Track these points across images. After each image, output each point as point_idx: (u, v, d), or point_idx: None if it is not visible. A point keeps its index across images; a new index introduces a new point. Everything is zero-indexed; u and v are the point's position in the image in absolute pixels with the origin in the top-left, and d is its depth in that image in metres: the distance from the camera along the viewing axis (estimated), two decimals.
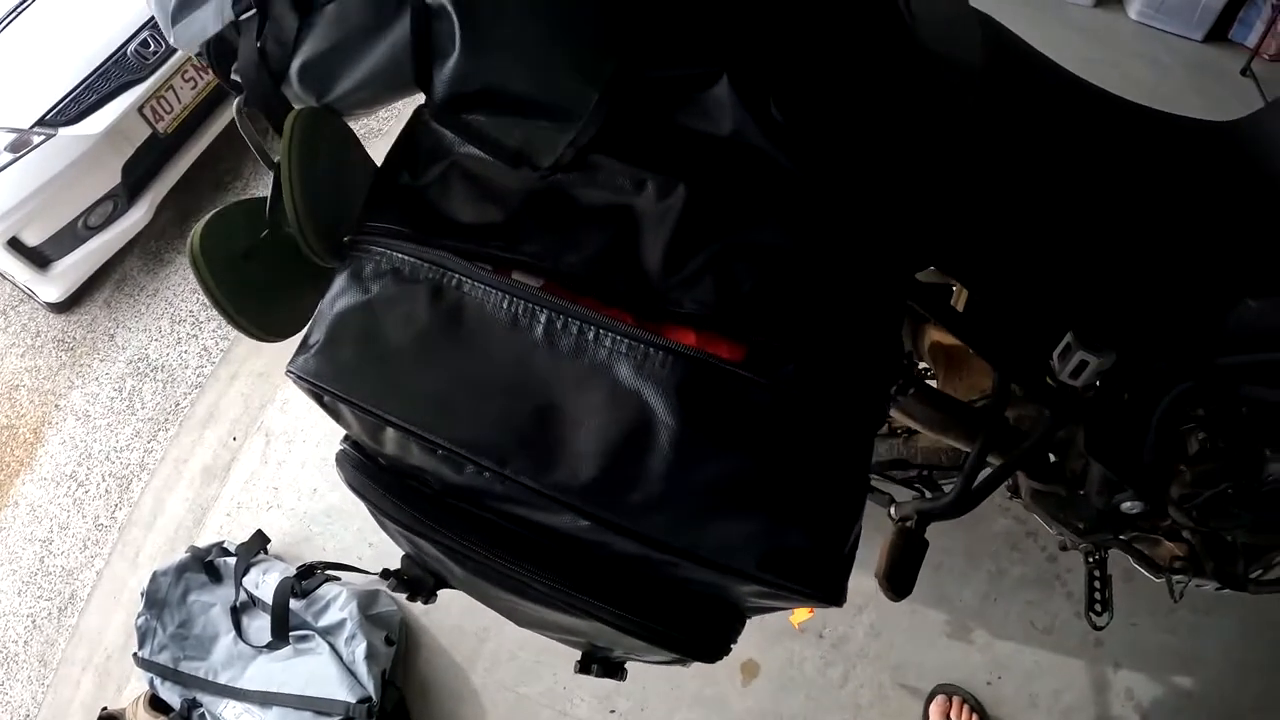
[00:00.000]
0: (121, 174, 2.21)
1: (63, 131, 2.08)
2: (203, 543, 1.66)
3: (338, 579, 1.55)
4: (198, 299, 2.33)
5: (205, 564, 1.57)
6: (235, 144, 2.59)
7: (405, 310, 0.55)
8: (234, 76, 0.60)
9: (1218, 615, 1.37)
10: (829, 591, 0.50)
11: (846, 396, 0.52)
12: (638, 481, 0.49)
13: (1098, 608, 1.12)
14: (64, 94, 2.09)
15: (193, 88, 2.30)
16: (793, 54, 0.53)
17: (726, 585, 0.53)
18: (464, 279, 0.54)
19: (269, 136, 0.60)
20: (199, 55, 0.62)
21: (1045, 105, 0.69)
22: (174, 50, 2.21)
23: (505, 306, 0.53)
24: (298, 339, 0.60)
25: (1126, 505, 0.86)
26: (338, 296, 0.57)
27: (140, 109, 2.18)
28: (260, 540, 1.61)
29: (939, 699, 1.38)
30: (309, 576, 1.50)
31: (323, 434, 1.82)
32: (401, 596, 1.54)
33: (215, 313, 2.25)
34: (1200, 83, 2.10)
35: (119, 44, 2.16)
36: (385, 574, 0.68)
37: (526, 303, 0.53)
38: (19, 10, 2.25)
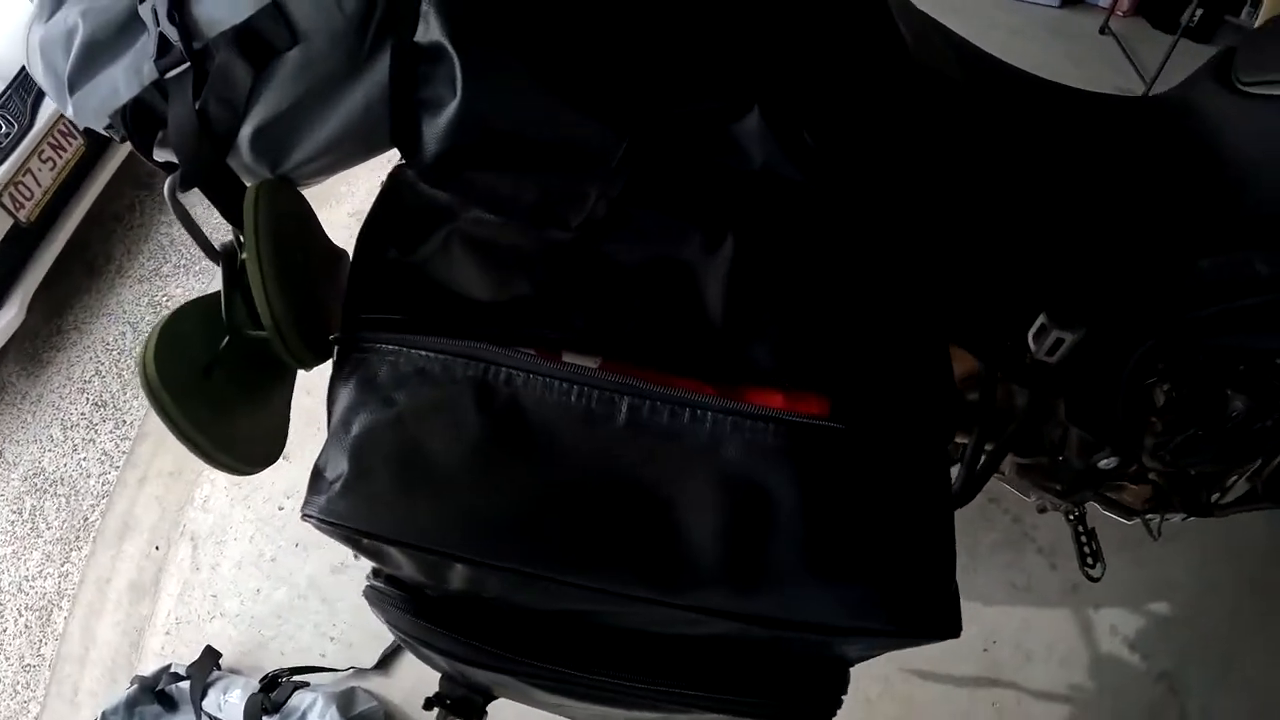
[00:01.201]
0: None
1: None
2: (147, 669, 1.49)
3: (306, 684, 1.43)
4: (87, 399, 2.11)
5: (156, 693, 1.42)
6: (103, 225, 2.37)
7: (449, 419, 0.46)
8: (159, 153, 0.50)
9: (1180, 543, 1.45)
10: (951, 629, 0.47)
11: (926, 429, 0.50)
12: (766, 566, 0.44)
13: (1090, 560, 1.17)
14: None
15: (51, 168, 2.06)
16: (817, 81, 0.50)
17: (843, 643, 0.49)
18: (512, 371, 0.46)
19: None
20: (108, 129, 0.50)
21: (1007, 103, 0.70)
22: (28, 129, 1.97)
23: (573, 398, 0.46)
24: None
25: (1104, 463, 0.90)
26: (352, 412, 0.47)
27: None
28: (211, 656, 1.47)
29: None
30: (275, 688, 1.37)
31: (254, 529, 1.67)
32: (378, 688, 1.44)
33: (112, 427, 1.98)
34: (1066, 47, 2.23)
35: None
36: (428, 704, 0.59)
37: (601, 390, 0.45)
38: None
